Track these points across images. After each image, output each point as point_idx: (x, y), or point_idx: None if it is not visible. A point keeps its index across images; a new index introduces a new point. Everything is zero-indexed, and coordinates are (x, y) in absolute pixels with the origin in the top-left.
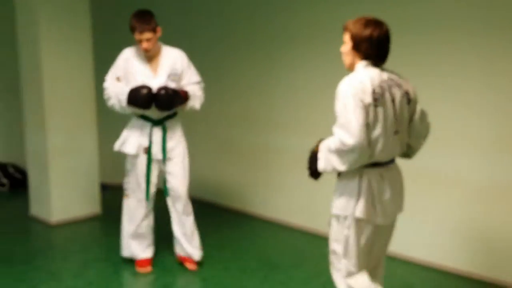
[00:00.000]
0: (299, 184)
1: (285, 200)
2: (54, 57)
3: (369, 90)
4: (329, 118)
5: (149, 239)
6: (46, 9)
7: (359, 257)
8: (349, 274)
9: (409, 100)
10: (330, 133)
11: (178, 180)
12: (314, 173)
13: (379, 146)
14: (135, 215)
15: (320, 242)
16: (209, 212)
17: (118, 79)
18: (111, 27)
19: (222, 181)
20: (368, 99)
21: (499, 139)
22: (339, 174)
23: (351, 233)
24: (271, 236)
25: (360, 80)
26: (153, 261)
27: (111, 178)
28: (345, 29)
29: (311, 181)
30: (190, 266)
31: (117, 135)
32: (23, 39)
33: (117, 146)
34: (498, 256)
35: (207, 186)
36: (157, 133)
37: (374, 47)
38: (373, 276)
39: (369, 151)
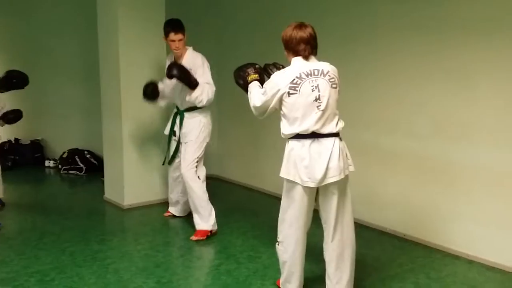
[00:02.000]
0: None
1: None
2: (130, 50)
3: (287, 82)
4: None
5: (174, 199)
6: (124, 5)
7: (295, 215)
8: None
9: (336, 85)
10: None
11: (183, 162)
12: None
13: (297, 123)
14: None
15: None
16: (273, 203)
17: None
18: (183, 22)
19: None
20: (284, 89)
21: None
22: None
23: (286, 191)
24: None
25: (285, 74)
26: (219, 248)
27: None
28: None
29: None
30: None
31: None
32: (103, 33)
33: None
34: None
35: (271, 178)
36: (178, 120)
37: (297, 45)
38: (333, 239)
39: (261, 116)
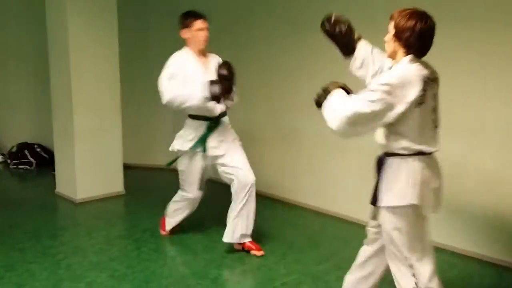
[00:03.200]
0: (317, 168)
1: (302, 182)
2: (81, 41)
3: (416, 89)
4: None
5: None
6: None
7: (421, 246)
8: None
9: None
10: None
11: (245, 167)
12: (318, 104)
13: (420, 139)
14: None
15: (334, 223)
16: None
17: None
18: (136, 13)
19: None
20: (411, 97)
21: None
22: (382, 163)
23: (409, 221)
24: (288, 217)
25: (410, 79)
26: (175, 240)
27: (134, 159)
28: (390, 18)
29: (329, 164)
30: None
31: (141, 118)
32: (52, 26)
33: None
34: None
35: None
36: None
37: (415, 39)
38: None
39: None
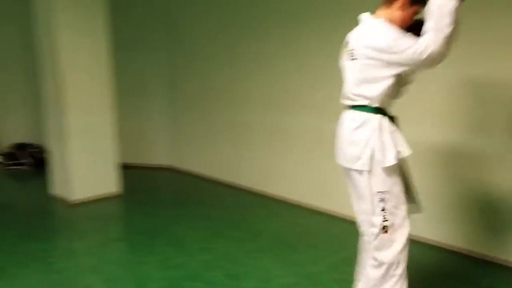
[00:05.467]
0: (313, 166)
1: (300, 181)
2: (71, 38)
3: None
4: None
5: None
6: None
7: None
8: None
9: None
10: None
11: None
12: None
13: None
14: None
15: (333, 222)
16: (227, 193)
17: None
18: (128, 8)
19: (239, 162)
20: None
21: None
22: None
23: None
24: (286, 216)
25: None
26: (171, 241)
27: (133, 159)
28: None
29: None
30: None
31: (139, 117)
32: (42, 21)
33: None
34: None
35: (226, 167)
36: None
37: None
38: None
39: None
